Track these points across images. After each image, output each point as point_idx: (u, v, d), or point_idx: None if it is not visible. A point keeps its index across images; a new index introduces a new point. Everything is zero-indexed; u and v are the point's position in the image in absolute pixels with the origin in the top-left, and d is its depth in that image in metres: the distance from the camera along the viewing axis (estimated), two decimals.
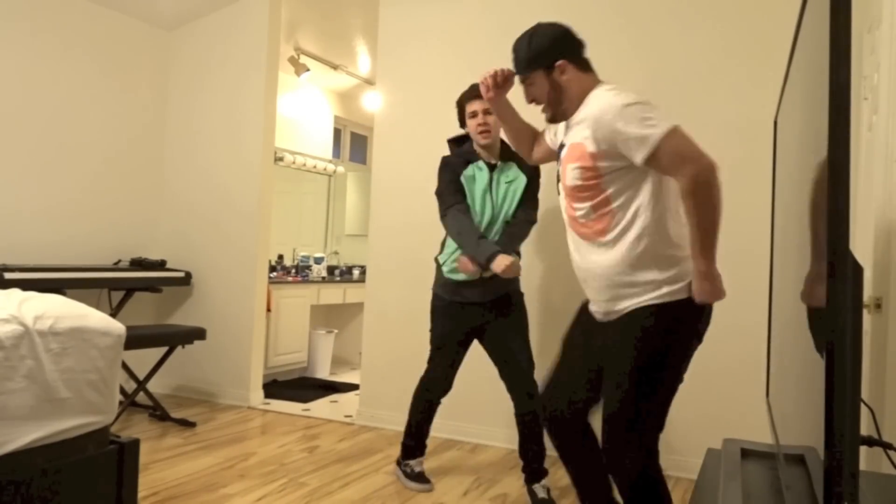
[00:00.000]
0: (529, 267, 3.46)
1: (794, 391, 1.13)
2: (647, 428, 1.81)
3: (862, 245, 2.10)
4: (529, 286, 3.47)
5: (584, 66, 1.90)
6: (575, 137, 1.83)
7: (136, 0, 4.23)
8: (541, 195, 2.84)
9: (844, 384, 0.74)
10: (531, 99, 1.94)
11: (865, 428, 1.56)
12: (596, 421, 1.95)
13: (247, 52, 4.31)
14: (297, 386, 4.92)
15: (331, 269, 6.00)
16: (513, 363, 2.74)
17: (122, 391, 3.48)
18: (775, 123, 1.94)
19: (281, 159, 5.47)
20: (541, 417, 2.07)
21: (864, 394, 1.88)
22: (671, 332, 1.77)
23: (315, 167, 5.94)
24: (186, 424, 3.71)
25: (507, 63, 2.04)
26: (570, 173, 1.82)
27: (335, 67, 5.68)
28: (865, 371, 1.90)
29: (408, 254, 3.78)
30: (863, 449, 1.78)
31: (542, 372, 2.97)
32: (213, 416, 3.94)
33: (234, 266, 4.31)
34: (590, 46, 3.54)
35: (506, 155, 2.77)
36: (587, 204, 1.82)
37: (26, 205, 3.83)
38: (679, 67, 3.20)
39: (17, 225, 3.78)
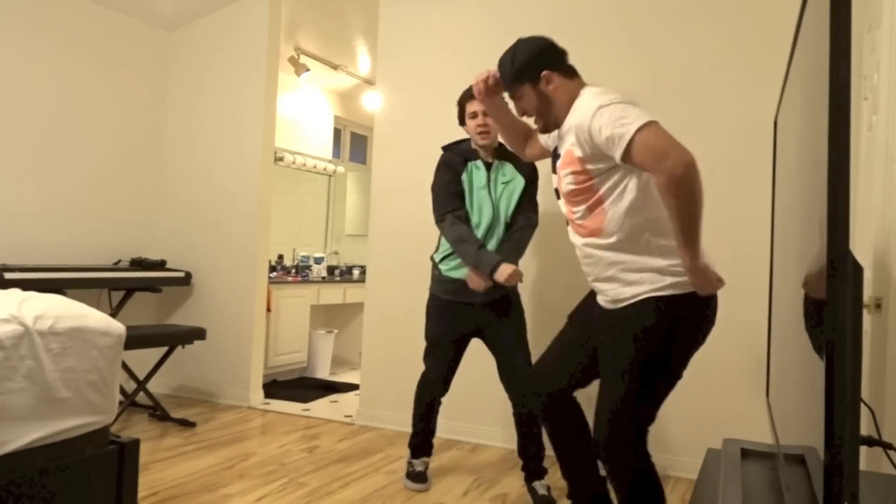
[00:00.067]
0: (528, 267, 3.46)
1: (794, 391, 1.13)
2: (645, 421, 1.83)
3: (862, 245, 2.10)
4: (528, 286, 3.47)
5: (570, 73, 1.94)
6: (565, 145, 1.89)
7: (136, 0, 4.23)
8: (540, 197, 2.85)
9: (844, 384, 0.74)
10: (522, 112, 1.99)
11: (865, 428, 1.56)
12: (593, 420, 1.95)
13: (247, 52, 4.31)
14: (297, 386, 4.92)
15: (331, 269, 6.00)
16: (510, 363, 2.75)
17: (122, 391, 3.48)
18: (775, 123, 1.94)
19: (281, 159, 5.47)
20: (528, 398, 2.10)
21: (864, 394, 1.88)
22: (675, 325, 1.78)
23: (315, 167, 5.94)
24: (186, 424, 3.71)
25: None
26: (565, 179, 1.88)
27: (335, 67, 5.68)
28: (865, 371, 1.90)
29: (408, 254, 3.78)
30: (863, 449, 1.78)
31: None
32: (213, 416, 3.94)
33: (234, 266, 4.31)
34: (589, 47, 3.56)
35: (502, 155, 2.77)
36: (582, 207, 1.87)
37: (26, 205, 3.83)
38: (679, 67, 3.20)
39: (17, 225, 3.78)
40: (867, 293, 1.88)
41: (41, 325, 1.88)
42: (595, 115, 1.74)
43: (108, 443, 2.08)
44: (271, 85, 4.31)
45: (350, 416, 4.05)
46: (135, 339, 3.41)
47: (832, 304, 0.75)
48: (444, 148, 2.89)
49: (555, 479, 2.96)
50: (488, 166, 2.76)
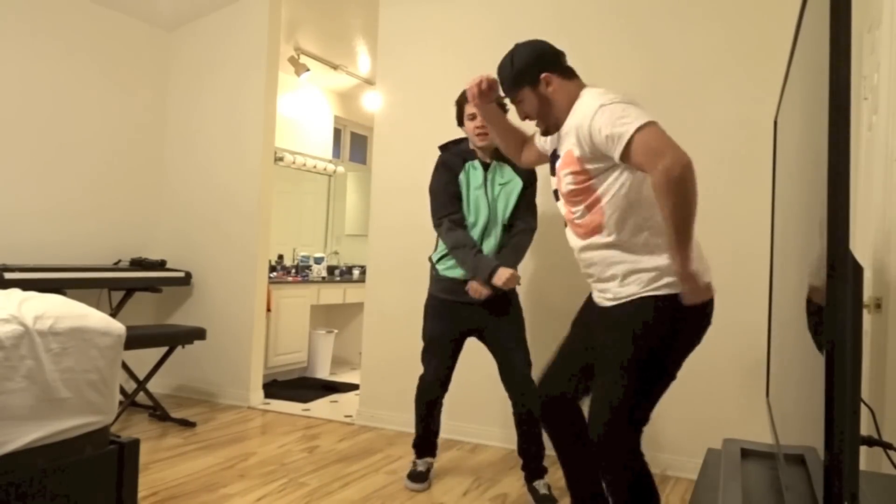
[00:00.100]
0: (527, 268, 3.46)
1: (794, 391, 1.13)
2: (639, 420, 1.83)
3: (862, 245, 2.10)
4: (528, 286, 3.47)
5: (568, 74, 1.97)
6: (565, 146, 1.90)
7: (136, 0, 4.23)
8: (539, 199, 2.85)
9: (844, 384, 0.74)
10: (524, 116, 2.01)
11: (865, 428, 1.56)
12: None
13: (247, 52, 4.31)
14: (297, 386, 4.92)
15: (331, 269, 6.00)
16: (509, 362, 2.75)
17: (122, 391, 3.48)
18: (775, 123, 1.94)
19: (281, 159, 5.47)
20: (536, 403, 2.10)
21: (864, 394, 1.88)
22: (675, 324, 1.79)
23: (315, 167, 5.94)
24: (186, 424, 3.71)
25: None
26: (564, 179, 1.89)
27: (335, 67, 5.68)
28: (865, 371, 1.90)
29: (408, 254, 3.78)
30: (863, 449, 1.78)
31: (539, 372, 2.97)
32: (213, 416, 3.94)
33: (234, 266, 4.31)
34: (589, 47, 3.56)
35: (501, 156, 2.78)
36: (581, 206, 1.88)
37: (26, 205, 3.83)
38: (679, 67, 3.20)
39: (17, 225, 3.79)
40: (867, 293, 1.88)
41: (41, 325, 1.88)
42: (595, 114, 1.76)
43: (108, 443, 2.08)
44: (271, 85, 4.32)
45: (350, 416, 4.05)
46: (135, 339, 3.41)
47: (832, 304, 0.75)
48: (442, 147, 2.90)
49: (555, 479, 2.95)
50: (486, 167, 2.77)
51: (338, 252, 6.36)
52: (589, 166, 1.82)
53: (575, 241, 1.95)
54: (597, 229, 1.85)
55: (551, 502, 2.70)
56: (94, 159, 4.18)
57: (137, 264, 4.20)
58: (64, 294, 2.94)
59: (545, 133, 2.02)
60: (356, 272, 6.03)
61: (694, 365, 3.05)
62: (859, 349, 0.79)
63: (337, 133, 6.43)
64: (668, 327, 1.78)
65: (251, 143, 4.28)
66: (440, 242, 2.84)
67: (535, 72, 1.93)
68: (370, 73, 5.87)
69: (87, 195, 4.14)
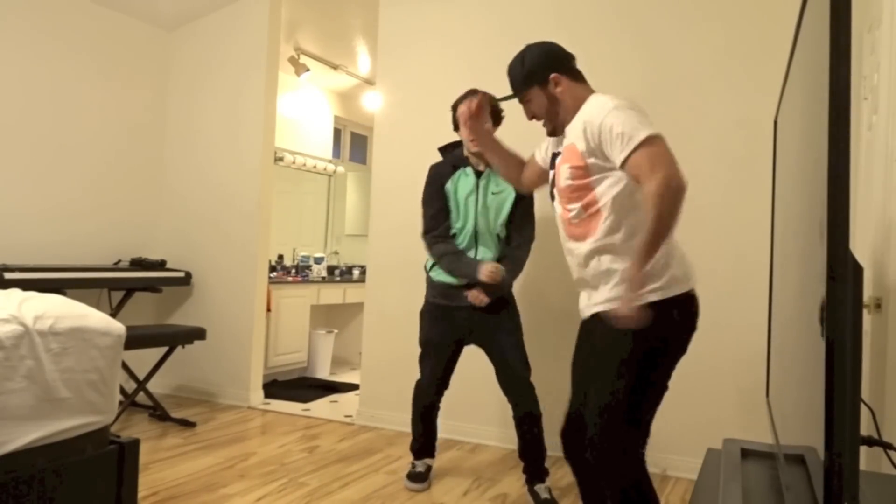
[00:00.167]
0: (525, 269, 3.45)
1: (794, 391, 1.13)
2: (638, 426, 1.82)
3: (862, 245, 2.10)
4: (526, 287, 3.47)
5: (577, 77, 1.99)
6: (569, 140, 1.91)
7: (136, 0, 4.23)
8: (538, 202, 2.85)
9: (844, 384, 0.74)
10: (531, 115, 2.03)
11: (865, 428, 1.56)
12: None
13: (247, 52, 4.31)
14: (297, 386, 4.92)
15: (331, 269, 6.00)
16: (506, 366, 2.75)
17: (122, 391, 3.48)
18: (775, 123, 1.94)
19: (281, 159, 5.47)
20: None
21: (864, 394, 1.88)
22: (662, 329, 1.78)
23: (315, 167, 5.94)
24: (186, 424, 3.71)
25: (505, 62, 2.06)
26: (563, 173, 1.90)
27: (335, 67, 5.68)
28: (865, 371, 1.90)
29: (408, 254, 3.78)
30: (863, 449, 1.78)
31: (538, 373, 2.97)
32: (213, 416, 3.94)
33: (234, 266, 4.31)
34: (590, 47, 3.55)
35: None
36: (578, 204, 1.88)
37: (26, 205, 3.83)
38: (679, 67, 3.20)
39: (17, 225, 3.78)
40: (867, 293, 1.88)
41: (41, 325, 1.88)
42: (611, 112, 1.77)
43: (108, 443, 2.08)
44: (271, 85, 4.31)
45: (350, 416, 4.05)
46: (135, 339, 3.41)
47: (832, 304, 0.75)
48: (441, 149, 2.92)
49: (555, 479, 2.95)
50: (479, 174, 2.77)
51: (338, 252, 6.36)
52: (590, 160, 1.83)
53: (568, 244, 1.95)
54: (592, 232, 1.85)
55: None
56: (94, 159, 4.18)
57: (137, 264, 4.20)
58: (64, 294, 2.94)
59: (551, 133, 2.02)
60: (356, 272, 6.03)
61: (694, 365, 3.05)
62: (859, 349, 0.79)
63: (337, 133, 6.43)
64: (657, 332, 1.78)
65: (251, 143, 4.28)
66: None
67: (545, 71, 1.95)
68: (370, 73, 5.87)
69: (86, 195, 4.14)
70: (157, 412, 3.80)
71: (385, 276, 3.88)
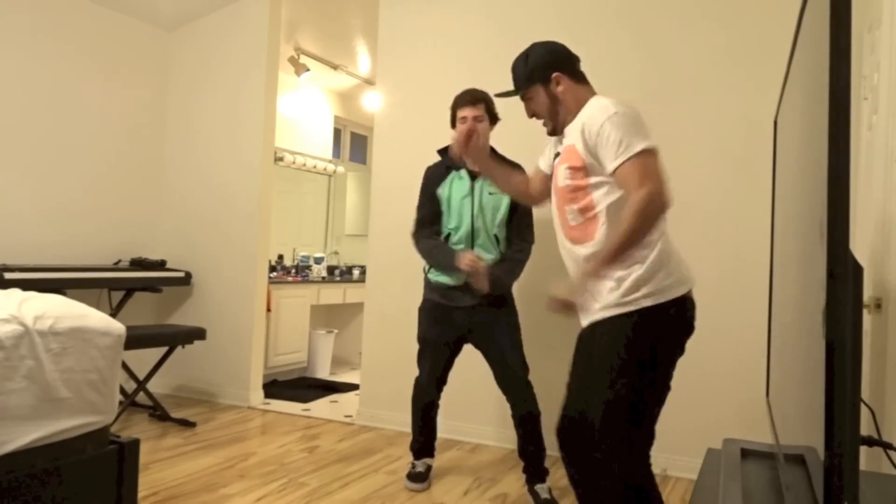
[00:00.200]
0: (526, 268, 3.45)
1: (794, 391, 1.13)
2: (640, 426, 1.81)
3: (862, 245, 2.10)
4: (527, 288, 3.46)
5: (579, 78, 1.99)
6: (568, 140, 1.91)
7: (136, 0, 4.23)
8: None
9: (844, 384, 0.74)
10: (532, 114, 2.04)
11: (865, 428, 1.56)
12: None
13: (247, 52, 4.31)
14: (297, 386, 4.92)
15: (331, 269, 6.00)
16: (504, 366, 2.76)
17: (122, 391, 3.48)
18: (775, 123, 1.94)
19: (281, 159, 5.47)
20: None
21: (864, 394, 1.88)
22: (655, 334, 1.78)
23: (315, 167, 5.94)
24: (186, 424, 3.71)
25: (505, 62, 2.07)
26: (562, 174, 1.90)
27: (335, 67, 5.68)
28: (865, 371, 1.90)
29: (408, 254, 3.76)
30: (863, 449, 1.78)
31: (538, 373, 2.97)
32: (213, 416, 3.94)
33: (234, 266, 4.31)
34: (590, 47, 3.55)
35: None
36: (576, 206, 1.89)
37: (26, 205, 3.83)
38: (679, 67, 3.20)
39: (17, 225, 3.78)
40: (867, 293, 1.88)
41: (41, 325, 1.88)
42: (611, 117, 1.77)
43: (108, 443, 2.08)
44: (271, 85, 4.31)
45: (350, 416, 4.05)
46: (135, 339, 3.41)
47: (832, 304, 0.75)
48: (440, 151, 2.93)
49: (555, 479, 2.95)
50: (474, 176, 2.77)
51: (338, 252, 6.36)
52: (588, 161, 1.83)
53: (566, 245, 1.95)
54: (591, 236, 1.85)
55: None
56: (94, 159, 4.18)
57: (137, 264, 4.20)
58: (64, 294, 2.94)
59: (551, 133, 2.03)
60: (356, 272, 6.03)
61: (694, 365, 3.05)
62: (859, 349, 0.79)
63: (337, 133, 6.43)
64: (652, 338, 1.78)
65: (251, 143, 4.28)
66: None
67: (548, 70, 1.95)
68: (370, 73, 5.87)
69: (86, 195, 4.14)
70: (157, 412, 3.80)
71: (385, 276, 3.88)
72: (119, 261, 4.31)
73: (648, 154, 1.72)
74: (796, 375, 1.11)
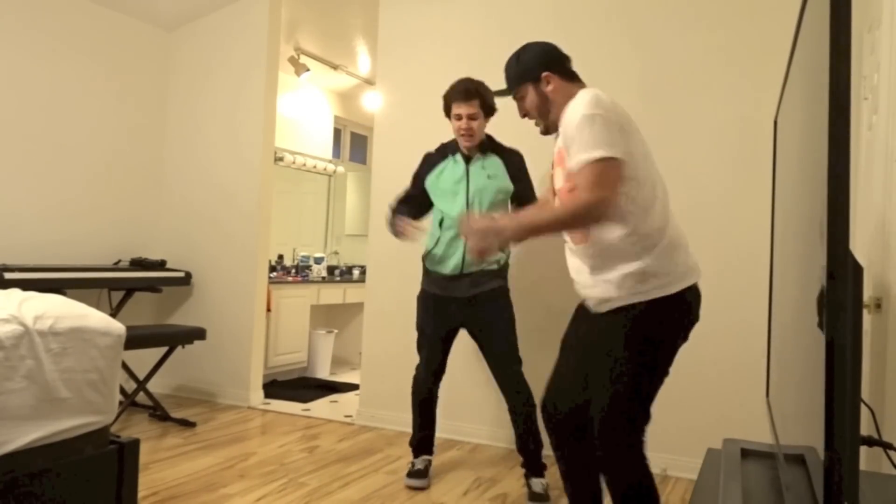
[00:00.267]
0: (526, 267, 3.46)
1: (794, 391, 1.13)
2: (645, 407, 1.83)
3: (862, 245, 2.10)
4: (527, 287, 3.47)
5: (572, 77, 2.01)
6: (559, 142, 1.93)
7: (136, 0, 4.23)
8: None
9: (844, 384, 0.74)
10: (524, 113, 2.05)
11: (865, 428, 1.56)
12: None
13: (247, 52, 4.31)
14: (297, 386, 4.92)
15: (331, 269, 6.00)
16: (498, 359, 2.78)
17: (122, 391, 3.48)
18: (775, 123, 1.94)
19: (281, 159, 5.47)
20: (543, 418, 2.09)
21: (864, 394, 1.88)
22: (662, 324, 1.81)
23: (315, 167, 5.94)
24: (186, 424, 3.71)
25: (504, 62, 2.07)
26: (559, 175, 1.92)
27: (335, 67, 5.68)
28: (865, 371, 1.90)
29: (408, 253, 3.77)
30: (863, 449, 1.78)
31: (537, 371, 2.97)
32: (213, 416, 3.94)
33: (234, 266, 4.31)
34: (589, 47, 3.55)
35: (489, 148, 2.84)
36: None
37: (26, 205, 3.83)
38: (679, 67, 3.20)
39: (17, 225, 3.78)
40: (867, 293, 1.88)
41: (41, 325, 1.88)
42: (581, 119, 1.77)
43: (108, 443, 2.08)
44: (271, 85, 4.31)
45: (350, 416, 4.05)
46: (135, 339, 3.41)
47: (832, 304, 0.75)
48: (441, 147, 2.96)
49: (555, 479, 2.95)
50: (468, 159, 2.80)
51: (338, 252, 6.36)
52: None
53: (570, 244, 1.96)
54: (591, 236, 1.86)
55: (544, 501, 2.70)
56: (94, 159, 4.18)
57: (137, 264, 4.20)
58: (64, 294, 2.94)
59: (544, 132, 2.05)
60: (356, 272, 6.03)
61: (694, 365, 3.05)
62: (859, 349, 0.79)
63: (337, 133, 6.43)
64: (655, 328, 1.80)
65: (251, 143, 4.28)
66: (428, 240, 2.89)
67: (538, 69, 1.97)
68: (370, 73, 5.87)
69: (86, 195, 4.14)
70: (157, 412, 3.80)
71: (385, 276, 3.88)
72: (119, 261, 4.31)
73: (608, 162, 1.73)
74: (796, 375, 1.11)
